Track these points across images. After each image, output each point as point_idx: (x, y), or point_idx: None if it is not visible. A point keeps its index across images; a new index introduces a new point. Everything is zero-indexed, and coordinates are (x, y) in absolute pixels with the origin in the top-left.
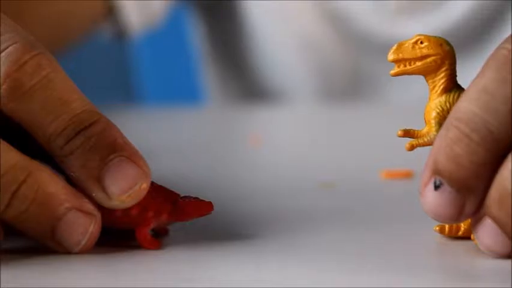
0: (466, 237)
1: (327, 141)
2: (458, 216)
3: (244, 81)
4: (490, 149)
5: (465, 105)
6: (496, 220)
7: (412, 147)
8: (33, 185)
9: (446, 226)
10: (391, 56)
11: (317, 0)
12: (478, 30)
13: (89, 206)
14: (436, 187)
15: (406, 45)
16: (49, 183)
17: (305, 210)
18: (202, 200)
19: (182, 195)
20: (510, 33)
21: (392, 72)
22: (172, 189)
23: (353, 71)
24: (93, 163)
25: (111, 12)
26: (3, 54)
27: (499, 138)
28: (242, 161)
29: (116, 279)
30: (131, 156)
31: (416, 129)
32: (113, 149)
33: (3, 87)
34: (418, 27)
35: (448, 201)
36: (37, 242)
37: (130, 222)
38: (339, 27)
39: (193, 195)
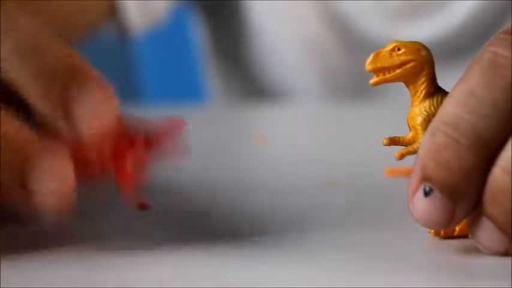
0: (463, 236)
1: (331, 139)
2: (449, 223)
3: (247, 80)
4: (479, 154)
5: (452, 109)
6: (491, 218)
7: (402, 156)
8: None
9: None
10: (369, 66)
11: (319, 1)
12: (480, 32)
13: (58, 147)
14: (426, 194)
15: (383, 53)
16: (17, 124)
17: (309, 208)
18: (172, 119)
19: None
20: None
21: (371, 81)
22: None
23: (355, 70)
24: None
25: (114, 11)
26: None
27: (488, 143)
28: (246, 160)
29: (116, 278)
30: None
31: (401, 136)
32: (73, 75)
33: None
34: (419, 29)
35: (439, 208)
36: (38, 242)
37: (106, 163)
38: (341, 28)
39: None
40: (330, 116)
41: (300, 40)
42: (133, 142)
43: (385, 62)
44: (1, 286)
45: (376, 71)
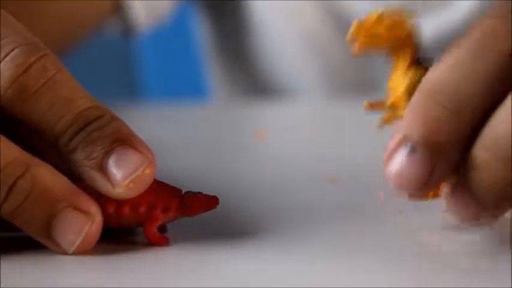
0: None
1: (332, 136)
2: (425, 182)
3: (250, 77)
4: (464, 119)
5: (439, 75)
6: (469, 189)
7: (386, 122)
8: (30, 180)
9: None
10: (353, 34)
11: (323, 0)
12: None
13: (88, 205)
14: (409, 152)
15: (369, 21)
16: (47, 178)
17: (310, 204)
18: (207, 195)
19: (185, 190)
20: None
21: (355, 49)
22: (175, 185)
23: (358, 68)
24: (96, 153)
25: (118, 9)
26: (8, 57)
27: (474, 109)
28: (247, 157)
29: (116, 278)
30: (134, 144)
31: (382, 101)
32: (116, 138)
33: (10, 91)
34: (422, 27)
35: (418, 163)
36: (38, 242)
37: (138, 219)
38: (344, 26)
39: (198, 191)
40: (332, 113)
41: (303, 38)
42: (167, 208)
43: (371, 30)
44: (1, 286)
45: (362, 38)
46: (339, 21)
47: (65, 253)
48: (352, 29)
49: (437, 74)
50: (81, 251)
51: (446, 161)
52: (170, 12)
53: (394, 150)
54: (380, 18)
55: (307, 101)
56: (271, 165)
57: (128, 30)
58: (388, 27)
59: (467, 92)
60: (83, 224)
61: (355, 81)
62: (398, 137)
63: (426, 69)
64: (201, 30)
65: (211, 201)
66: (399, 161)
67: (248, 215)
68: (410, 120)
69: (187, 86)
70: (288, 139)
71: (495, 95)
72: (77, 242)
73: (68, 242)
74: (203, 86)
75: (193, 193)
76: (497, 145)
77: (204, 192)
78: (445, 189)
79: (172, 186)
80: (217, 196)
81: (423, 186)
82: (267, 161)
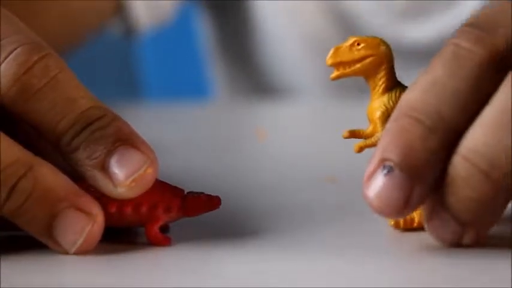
0: (421, 228)
1: (332, 136)
2: (404, 205)
3: (251, 77)
4: (442, 137)
5: (416, 95)
6: (448, 208)
7: (360, 149)
8: (31, 179)
9: (401, 220)
10: (329, 61)
11: (325, 0)
12: None
13: (89, 206)
14: (386, 173)
15: (343, 48)
16: (49, 178)
17: (309, 204)
18: (210, 195)
19: (187, 191)
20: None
21: (332, 76)
22: (177, 185)
23: None
24: (98, 153)
25: (120, 9)
26: (11, 56)
27: (451, 127)
28: (248, 156)
29: (116, 278)
30: (136, 143)
31: (361, 129)
32: (118, 138)
33: (13, 90)
34: (425, 29)
35: (397, 186)
36: (38, 242)
37: (140, 219)
38: (346, 26)
39: (199, 190)
40: (332, 113)
41: (305, 38)
42: (169, 208)
43: (344, 57)
44: (1, 286)
45: (337, 65)
46: (341, 21)
47: (66, 253)
48: (329, 54)
49: (412, 92)
50: (82, 251)
51: (425, 181)
52: (172, 13)
53: (373, 173)
54: (354, 43)
55: (308, 101)
56: (271, 165)
57: (129, 30)
58: (362, 52)
59: (444, 108)
60: (84, 224)
61: (355, 82)
62: (376, 159)
63: (401, 93)
64: (203, 30)
65: (213, 202)
66: (378, 183)
67: (248, 215)
68: (388, 140)
69: (188, 86)
70: (289, 139)
71: (470, 110)
72: (78, 242)
73: (69, 242)
74: (204, 85)
75: (196, 193)
76: (477, 154)
77: (206, 192)
78: (424, 211)
79: (175, 187)
80: (220, 196)
81: (402, 209)
82: (268, 161)
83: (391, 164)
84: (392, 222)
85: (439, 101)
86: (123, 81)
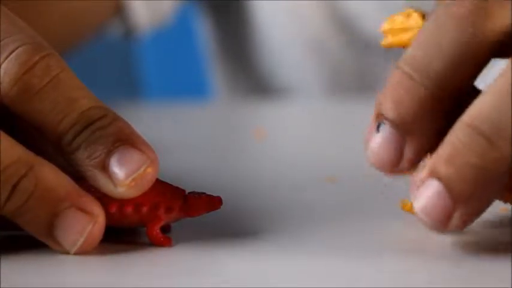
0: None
1: (332, 136)
2: (397, 160)
3: (251, 77)
4: (432, 90)
5: (409, 49)
6: (443, 179)
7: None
8: (33, 179)
9: (409, 203)
10: (385, 26)
11: (324, 1)
12: None
13: (90, 206)
14: (380, 130)
15: (399, 17)
16: (50, 178)
17: (309, 204)
18: (211, 195)
19: (188, 191)
20: None
21: (384, 42)
22: (177, 185)
23: (359, 69)
24: (98, 153)
25: (120, 10)
26: (12, 56)
27: (443, 80)
28: (247, 156)
29: (116, 278)
30: (136, 143)
31: None
32: (118, 138)
33: (14, 89)
34: None
35: (388, 140)
36: (38, 242)
37: (141, 219)
38: (345, 27)
39: (198, 190)
40: (332, 113)
41: (304, 38)
42: (170, 208)
43: (401, 24)
44: (1, 286)
45: (392, 32)
46: (340, 22)
47: (67, 253)
48: (384, 23)
49: (409, 49)
50: (83, 251)
51: (416, 135)
52: (172, 14)
53: (371, 130)
54: (411, 13)
55: (308, 101)
56: (271, 165)
57: (129, 31)
58: (420, 22)
59: (432, 62)
60: (85, 224)
61: (356, 81)
62: (373, 116)
63: None
64: (203, 30)
65: (214, 202)
66: (374, 140)
67: (249, 215)
68: (382, 95)
69: (188, 86)
70: (288, 139)
71: (466, 69)
72: (79, 242)
73: (70, 242)
74: (204, 85)
75: (197, 193)
76: (483, 120)
77: (207, 193)
78: (411, 184)
79: (176, 187)
80: (221, 196)
81: (396, 163)
82: (267, 161)
83: (383, 120)
84: (401, 205)
85: (427, 53)
86: (123, 81)
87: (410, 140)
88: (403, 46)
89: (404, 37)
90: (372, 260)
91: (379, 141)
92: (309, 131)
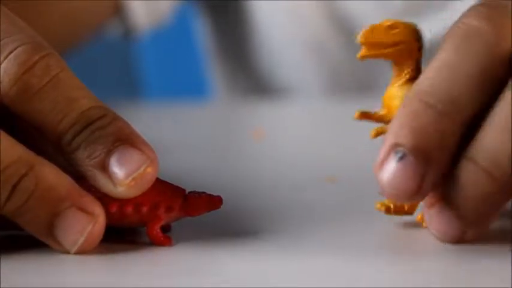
0: (410, 213)
1: (332, 136)
2: (417, 190)
3: (250, 77)
4: (455, 119)
5: (428, 80)
6: (453, 207)
7: (376, 135)
8: (33, 179)
9: (391, 205)
10: (362, 38)
11: (323, 1)
12: None
13: (91, 206)
14: (399, 158)
15: (379, 28)
16: (51, 177)
17: (309, 204)
18: (211, 195)
19: (188, 190)
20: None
21: (361, 54)
22: (178, 185)
23: (359, 69)
24: (98, 153)
25: (119, 10)
26: (12, 55)
27: (463, 110)
28: (247, 156)
29: (116, 277)
30: (136, 143)
31: (373, 111)
32: (118, 138)
33: (13, 89)
34: (424, 28)
35: (410, 171)
36: (38, 242)
37: (141, 219)
38: (344, 27)
39: (199, 190)
40: (331, 113)
41: (303, 38)
42: (171, 207)
43: (379, 37)
44: (1, 286)
45: (369, 44)
46: (340, 22)
47: (67, 253)
48: (363, 32)
49: (424, 76)
50: (83, 251)
51: (437, 166)
52: (171, 14)
53: (385, 158)
54: (390, 26)
55: (307, 101)
56: (271, 165)
57: (128, 31)
58: (397, 37)
59: (456, 92)
60: (85, 224)
61: (355, 81)
62: (388, 144)
63: None
64: (202, 30)
65: (215, 201)
66: (390, 169)
67: (249, 215)
68: (400, 125)
69: (187, 86)
70: (288, 139)
71: (485, 93)
72: (79, 242)
73: (71, 242)
74: (203, 85)
75: (197, 193)
76: (482, 154)
77: (207, 192)
78: (425, 209)
79: (176, 186)
80: (221, 196)
81: (415, 194)
82: (267, 161)
83: (404, 149)
84: (383, 208)
85: (450, 84)
86: (123, 81)
87: (432, 168)
88: (384, 58)
89: (384, 51)
90: (371, 260)
91: (398, 170)
92: (308, 131)
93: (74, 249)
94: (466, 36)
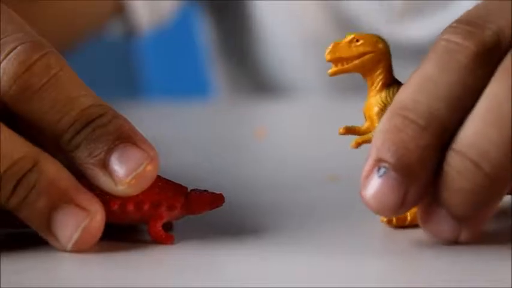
0: (413, 225)
1: (333, 135)
2: (400, 205)
3: (251, 76)
4: (436, 134)
5: (409, 94)
6: (444, 204)
7: (357, 145)
8: (36, 173)
9: (394, 218)
10: (328, 56)
11: (324, 0)
12: None
13: (89, 202)
14: (381, 175)
15: (342, 44)
16: (52, 172)
17: (310, 202)
18: (213, 193)
19: (190, 188)
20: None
21: (330, 71)
22: (180, 183)
23: None
24: (98, 151)
25: (121, 10)
26: (12, 54)
27: (444, 124)
28: (248, 154)
29: (116, 277)
30: (136, 141)
31: (358, 125)
32: (118, 136)
33: (13, 88)
34: (423, 28)
35: (392, 187)
36: (38, 241)
37: (143, 217)
38: (345, 26)
39: (201, 188)
40: (332, 111)
41: (304, 38)
42: (173, 205)
43: (343, 53)
44: (1, 286)
45: (335, 61)
46: (340, 20)
47: (64, 249)
48: (328, 50)
49: (405, 91)
50: (80, 248)
51: (419, 180)
52: (172, 13)
53: (369, 174)
54: (353, 40)
55: (308, 100)
56: (272, 164)
57: (130, 31)
58: (361, 49)
59: (436, 106)
60: (80, 220)
61: (356, 80)
62: (372, 159)
63: (398, 90)
64: (203, 30)
65: (217, 199)
66: (374, 185)
67: (250, 213)
68: (382, 141)
69: (188, 85)
70: (289, 137)
71: (462, 105)
72: (74, 238)
73: (66, 237)
74: (205, 84)
75: (199, 191)
76: (468, 146)
77: (210, 190)
78: (419, 210)
79: (178, 184)
80: (223, 194)
81: (398, 209)
82: (269, 159)
83: (386, 165)
84: (385, 220)
85: (430, 98)
86: (124, 81)
87: (414, 183)
88: (353, 71)
89: (351, 65)
90: (371, 260)
91: (381, 186)
92: (310, 129)
93: (69, 245)
94: (446, 51)
